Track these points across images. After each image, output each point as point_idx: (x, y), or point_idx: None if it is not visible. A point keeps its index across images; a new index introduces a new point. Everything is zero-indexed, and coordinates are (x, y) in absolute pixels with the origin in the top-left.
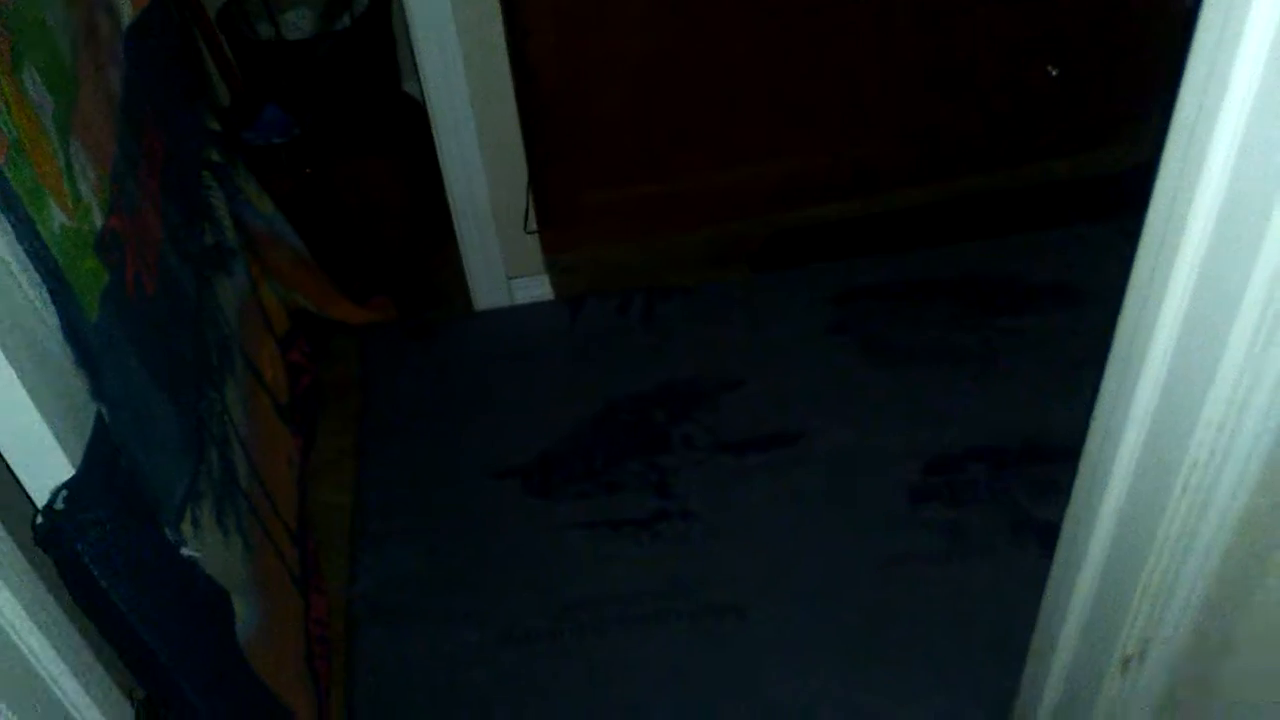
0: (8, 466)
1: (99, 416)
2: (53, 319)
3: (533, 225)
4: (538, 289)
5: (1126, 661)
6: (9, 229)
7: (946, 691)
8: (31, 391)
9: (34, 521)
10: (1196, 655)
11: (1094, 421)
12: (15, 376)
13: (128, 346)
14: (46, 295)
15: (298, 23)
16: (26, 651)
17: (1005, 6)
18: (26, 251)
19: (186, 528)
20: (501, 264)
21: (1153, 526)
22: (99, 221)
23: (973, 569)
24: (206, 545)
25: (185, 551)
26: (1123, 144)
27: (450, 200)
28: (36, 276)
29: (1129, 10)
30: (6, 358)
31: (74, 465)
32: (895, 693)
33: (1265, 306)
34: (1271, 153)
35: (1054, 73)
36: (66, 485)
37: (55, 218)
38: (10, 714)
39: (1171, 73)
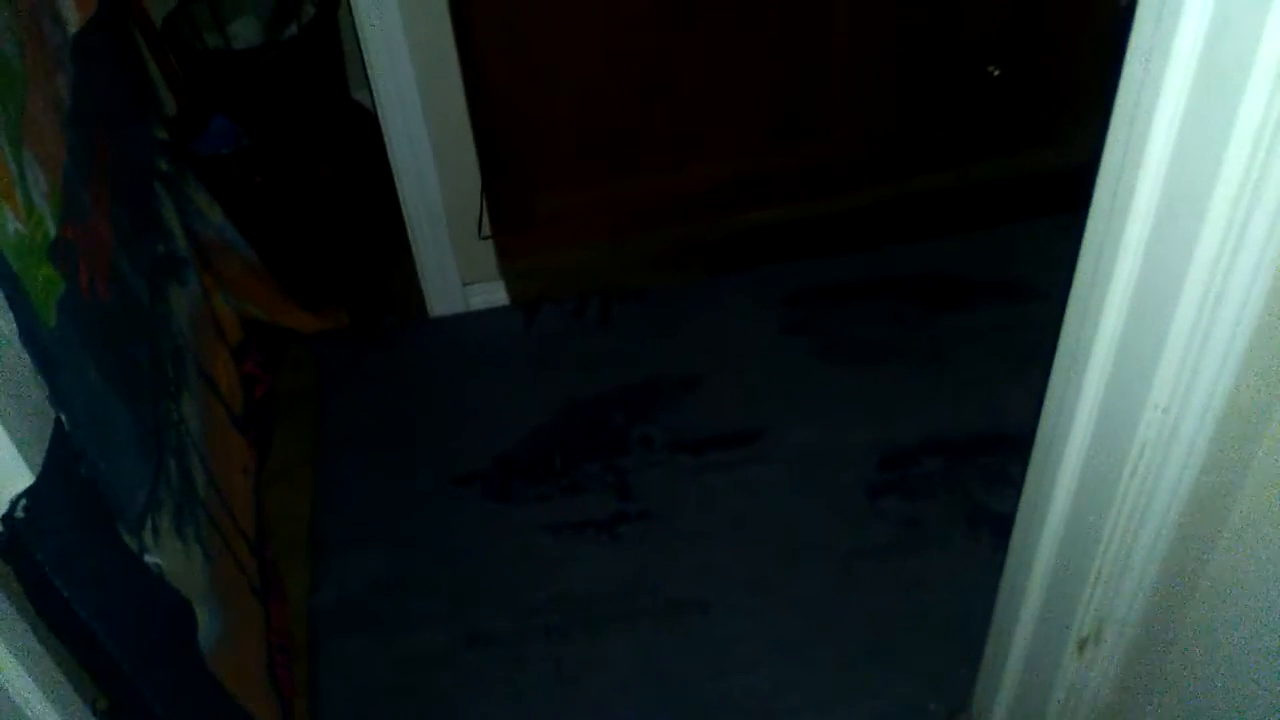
0: None
1: (58, 423)
2: (10, 326)
3: (486, 231)
4: (493, 295)
5: (1083, 643)
6: None
7: (907, 680)
8: None
9: None
10: (1151, 636)
11: (1045, 409)
12: None
13: (85, 354)
14: (3, 300)
15: (244, 32)
16: None
17: (945, 8)
18: None
19: (148, 536)
20: (456, 271)
21: (1104, 510)
22: (52, 230)
23: (930, 560)
24: (167, 554)
25: (148, 559)
26: (1065, 142)
27: (403, 208)
28: None
29: (1067, 10)
30: None
31: (34, 473)
32: (857, 683)
33: (1207, 288)
34: (1207, 145)
35: (995, 73)
36: (26, 493)
37: (9, 225)
38: None
39: (1111, 71)
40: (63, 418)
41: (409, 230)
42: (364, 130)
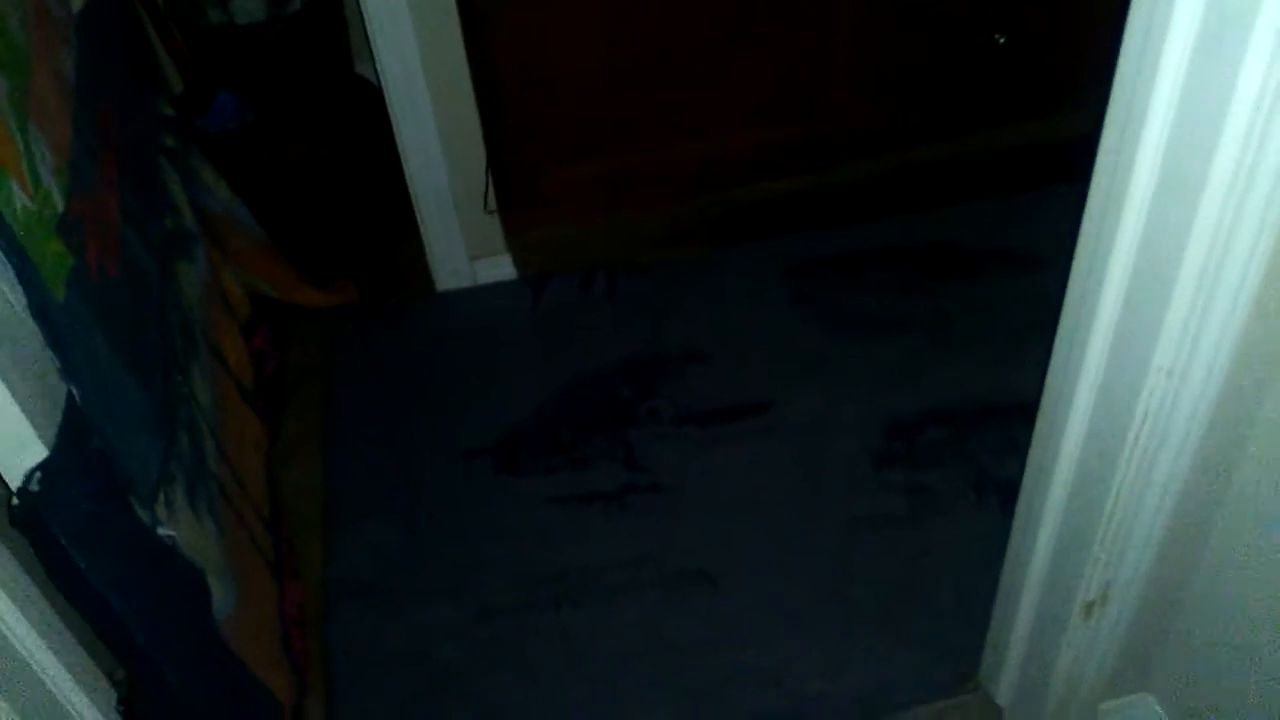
0: None
1: (70, 397)
2: (20, 300)
3: (493, 205)
4: (500, 269)
5: (1089, 607)
6: None
7: (914, 648)
8: (2, 374)
9: (9, 503)
10: (1158, 597)
11: (1049, 375)
12: None
13: (95, 328)
14: (13, 275)
15: (248, 7)
16: (6, 631)
17: None
18: None
19: (161, 509)
20: (463, 245)
21: (1109, 475)
22: (60, 205)
23: (936, 529)
24: (181, 527)
25: (161, 531)
26: (1069, 111)
27: (409, 182)
28: (1, 258)
29: None
30: None
31: (47, 447)
32: (864, 651)
33: (1210, 249)
34: (1208, 109)
35: (1001, 40)
36: (40, 466)
37: (17, 200)
38: None
39: (1117, 39)
40: (74, 391)
41: (415, 204)
42: (369, 104)
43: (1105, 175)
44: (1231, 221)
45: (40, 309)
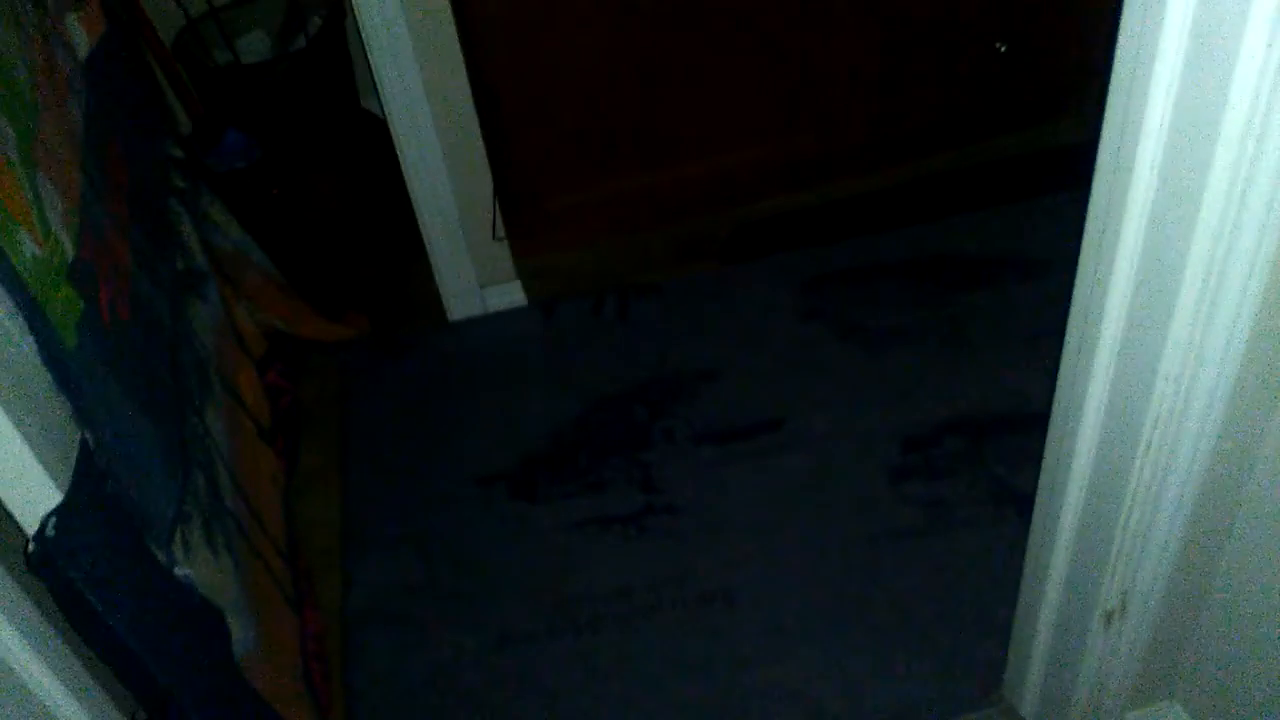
0: None
1: (84, 442)
2: (31, 348)
3: (501, 232)
4: (511, 295)
5: (1109, 616)
6: None
7: (936, 662)
8: (15, 420)
9: (25, 549)
10: (1179, 603)
11: (1058, 386)
12: None
13: (107, 372)
14: (23, 323)
15: (254, 46)
16: (26, 678)
17: None
18: (0, 281)
19: (177, 549)
20: (473, 273)
21: (1122, 484)
22: (70, 252)
23: (955, 541)
24: (198, 565)
25: (178, 572)
26: (1073, 116)
27: (417, 213)
28: (12, 305)
29: None
30: None
31: (62, 492)
32: (885, 667)
33: (1212, 254)
34: (1204, 110)
35: (1002, 49)
36: (55, 512)
37: (27, 248)
38: None
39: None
40: (87, 436)
41: (424, 235)
42: (376, 138)
43: (1104, 187)
44: (1232, 227)
45: (52, 356)
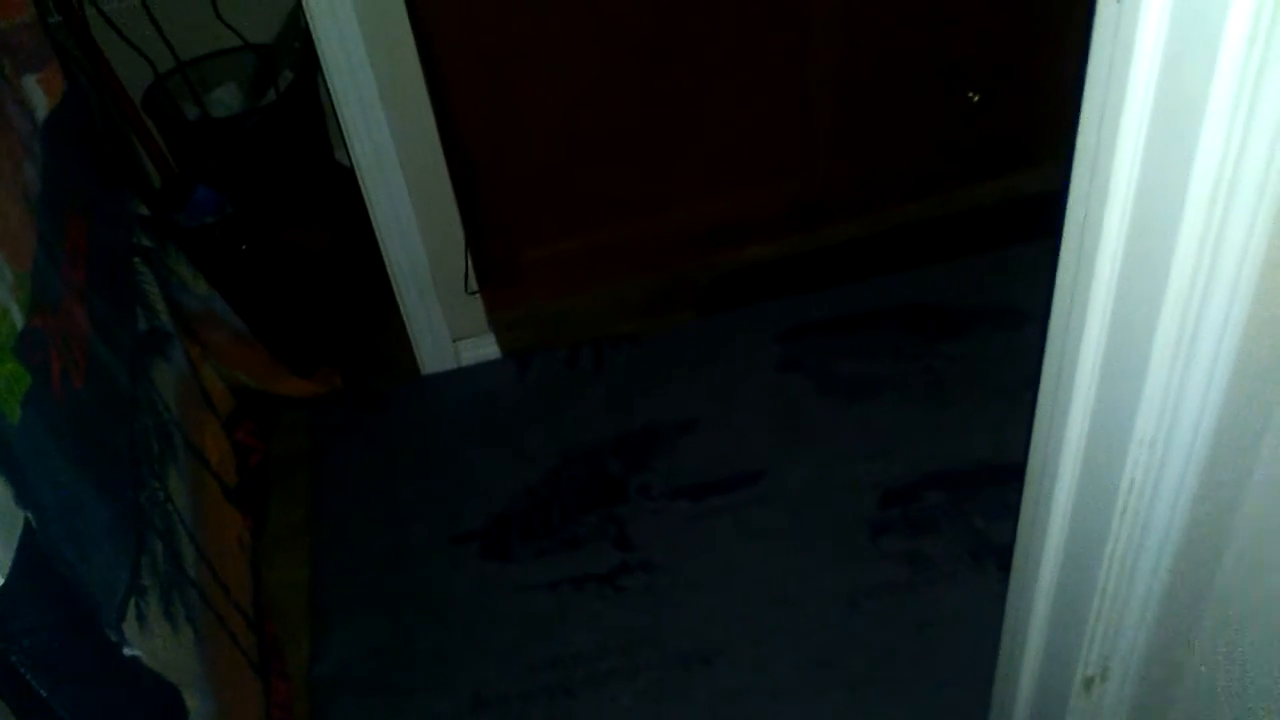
0: None
1: (27, 523)
2: None
3: (474, 286)
4: (484, 348)
5: (1089, 682)
6: None
7: (917, 719)
8: None
9: None
10: (1161, 667)
11: (1032, 447)
12: None
13: (54, 447)
14: None
15: (224, 100)
16: None
17: (922, 39)
18: None
19: (130, 625)
20: (445, 327)
21: (1099, 548)
22: (19, 323)
23: (936, 596)
24: (154, 640)
25: (127, 652)
26: (1048, 163)
27: (389, 267)
28: None
29: (1044, 34)
30: None
31: (3, 575)
32: None
33: (1183, 318)
34: (1170, 166)
35: (975, 99)
36: None
37: None
38: None
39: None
40: (30, 517)
41: (396, 289)
42: (348, 191)
43: (1073, 244)
44: (1205, 281)
45: None
